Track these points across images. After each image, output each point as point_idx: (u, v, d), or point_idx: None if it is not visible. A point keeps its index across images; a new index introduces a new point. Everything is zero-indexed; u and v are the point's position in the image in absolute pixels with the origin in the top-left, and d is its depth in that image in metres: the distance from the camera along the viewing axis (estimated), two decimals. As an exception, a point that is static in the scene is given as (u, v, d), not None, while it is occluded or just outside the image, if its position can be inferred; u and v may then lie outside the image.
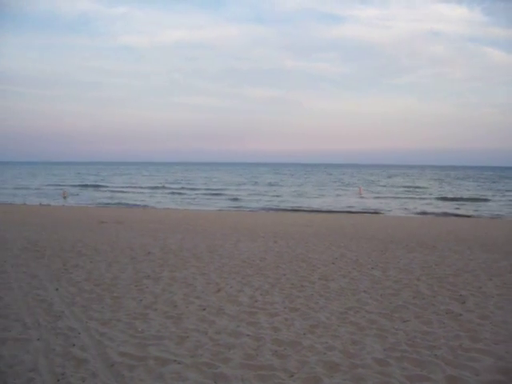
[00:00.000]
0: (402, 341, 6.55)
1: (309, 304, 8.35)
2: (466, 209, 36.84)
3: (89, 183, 71.95)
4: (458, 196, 48.84)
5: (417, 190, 60.52)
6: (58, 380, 5.30)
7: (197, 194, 51.98)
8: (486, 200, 45.17)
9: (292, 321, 7.43)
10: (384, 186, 69.64)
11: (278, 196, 49.34)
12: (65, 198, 45.35)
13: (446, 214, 32.85)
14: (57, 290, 9.12)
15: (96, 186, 65.22)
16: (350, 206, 38.05)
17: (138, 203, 40.75)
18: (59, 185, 66.24)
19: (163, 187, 60.64)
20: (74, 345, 6.32)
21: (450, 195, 50.30)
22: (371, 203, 41.32)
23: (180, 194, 52.24)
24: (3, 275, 10.28)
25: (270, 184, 72.76)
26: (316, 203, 41.38)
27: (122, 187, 63.92)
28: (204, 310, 7.96)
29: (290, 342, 6.50)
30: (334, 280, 10.21)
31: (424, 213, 33.79)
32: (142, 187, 63.05)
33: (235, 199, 45.38)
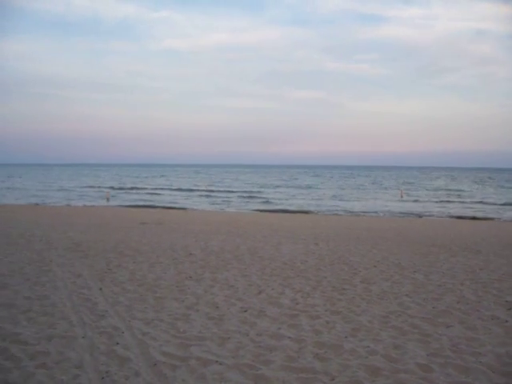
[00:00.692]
0: (446, 346, 6.46)
1: (350, 307, 8.31)
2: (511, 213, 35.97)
3: (129, 185, 73.06)
4: (503, 200, 47.66)
5: (459, 192, 59.40)
6: (103, 378, 5.41)
7: (236, 196, 52.11)
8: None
9: (333, 324, 7.40)
10: (425, 188, 68.61)
11: (317, 199, 49.11)
12: (107, 199, 46.16)
13: (489, 218, 32.12)
14: (100, 289, 9.29)
15: (135, 188, 66.10)
16: (390, 209, 37.63)
17: (177, 205, 41.14)
18: (100, 186, 67.51)
19: (206, 190, 60.82)
20: (117, 343, 6.43)
21: (493, 198, 49.19)
22: (412, 206, 40.80)
23: (219, 196, 52.43)
24: (49, 274, 10.52)
25: (309, 186, 72.53)
26: (356, 206, 41.09)
27: (161, 189, 64.61)
28: (245, 311, 8.00)
29: (332, 345, 6.48)
30: (376, 283, 10.13)
31: (466, 216, 33.13)
32: (181, 189, 63.49)
33: (273, 201, 45.36)
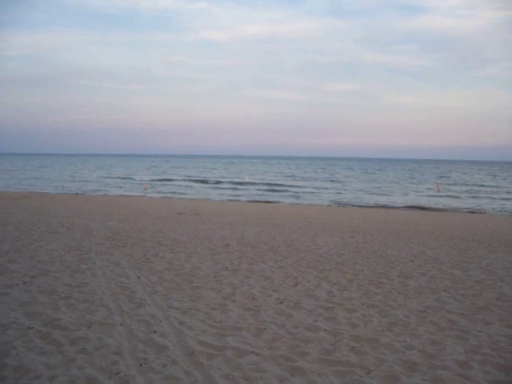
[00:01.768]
0: (485, 344, 6.36)
1: (387, 301, 8.26)
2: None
3: (166, 175, 73.66)
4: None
5: (499, 187, 58.02)
6: (141, 365, 5.50)
7: (271, 187, 52.02)
8: None
9: (370, 317, 7.37)
10: (464, 182, 67.25)
11: (352, 191, 48.72)
12: (145, 189, 46.73)
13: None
14: (138, 278, 9.43)
15: (172, 179, 66.64)
16: (427, 203, 37.08)
17: (214, 196, 41.37)
18: (130, 177, 68.19)
19: (247, 182, 60.70)
20: (155, 332, 6.52)
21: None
22: (450, 200, 40.15)
23: (254, 188, 52.45)
24: (88, 262, 10.71)
25: (345, 179, 71.96)
26: (392, 199, 40.65)
27: (197, 179, 65.00)
28: (281, 303, 8.02)
29: (368, 338, 6.46)
30: (413, 278, 10.03)
31: (506, 211, 32.48)
32: (219, 182, 63.67)
33: (309, 193, 45.24)
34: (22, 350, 5.78)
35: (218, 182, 59.45)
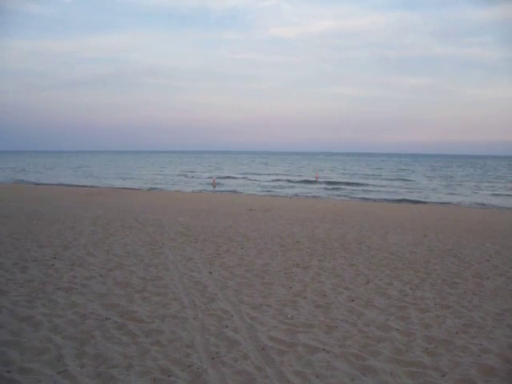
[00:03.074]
0: None
1: (461, 302, 8.04)
2: None
3: (236, 172, 74.28)
4: None
5: None
6: (213, 358, 5.59)
7: (340, 184, 51.54)
8: None
9: (444, 318, 7.20)
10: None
11: (425, 189, 47.50)
12: (214, 185, 47.29)
13: None
14: (210, 273, 9.57)
15: (242, 175, 67.17)
16: (501, 201, 35.74)
17: (283, 193, 41.43)
18: (198, 174, 68.98)
19: (315, 179, 60.17)
20: (227, 326, 6.62)
21: None
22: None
23: (323, 184, 52.17)
24: (161, 256, 10.97)
25: (417, 175, 70.41)
26: (463, 197, 39.44)
27: (266, 176, 65.22)
28: (353, 301, 7.96)
29: (442, 340, 6.32)
30: (489, 278, 9.72)
31: None
32: (290, 180, 63.64)
33: (380, 190, 44.59)
34: (100, 339, 6.01)
35: (288, 181, 59.28)
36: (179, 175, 66.05)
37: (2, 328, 6.28)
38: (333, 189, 45.84)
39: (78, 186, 44.78)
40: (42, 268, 9.51)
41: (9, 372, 5.10)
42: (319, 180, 58.05)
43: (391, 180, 60.62)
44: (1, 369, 5.17)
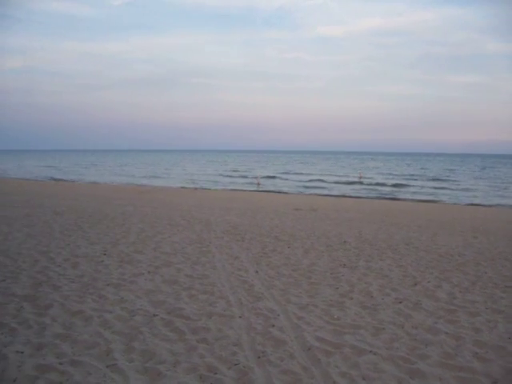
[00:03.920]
0: None
1: (514, 306, 7.82)
2: None
3: (278, 171, 74.21)
4: None
5: None
6: (259, 357, 5.60)
7: (387, 184, 50.92)
8: None
9: (495, 323, 7.01)
10: None
11: (476, 190, 46.38)
12: (258, 184, 47.38)
13: None
14: (257, 272, 9.59)
15: (286, 174, 67.12)
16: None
17: (328, 192, 41.22)
18: (244, 173, 69.15)
19: (360, 182, 59.68)
20: (273, 325, 6.61)
21: None
22: None
23: (369, 184, 51.64)
24: (208, 255, 11.05)
25: (472, 177, 68.85)
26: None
27: (310, 176, 64.94)
28: (400, 302, 7.85)
29: (493, 345, 6.14)
30: (544, 283, 9.43)
31: None
32: (337, 181, 63.25)
33: (427, 191, 43.82)
34: (147, 335, 6.10)
35: (333, 182, 58.75)
36: (225, 175, 66.36)
37: (54, 321, 6.46)
38: (377, 189, 45.29)
39: (127, 184, 45.58)
40: (92, 264, 9.73)
41: (61, 364, 5.24)
42: (362, 180, 57.51)
43: (437, 180, 59.40)
44: (53, 360, 5.31)
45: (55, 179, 52.19)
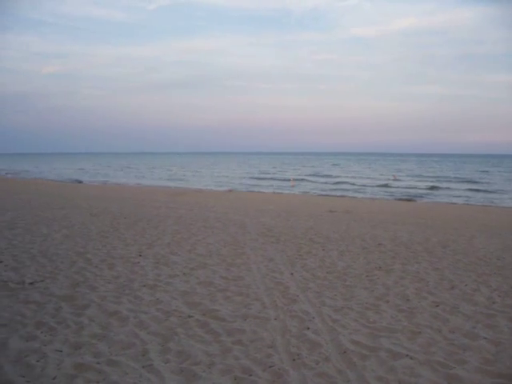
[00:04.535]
0: None
1: (555, 312, 7.63)
2: None
3: (312, 173, 73.97)
4: None
5: None
6: (294, 360, 5.58)
7: (422, 186, 50.23)
8: None
9: (536, 328, 6.86)
10: None
11: (510, 191, 45.42)
12: (292, 186, 47.31)
13: None
14: (292, 274, 9.56)
15: (320, 176, 66.87)
16: None
17: (363, 195, 40.94)
18: (268, 172, 68.97)
19: (394, 179, 59.18)
20: (308, 328, 6.58)
21: None
22: None
23: (403, 186, 51.09)
24: (243, 257, 11.06)
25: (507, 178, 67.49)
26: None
27: (344, 178, 64.59)
28: (437, 306, 7.73)
29: (534, 351, 6.02)
30: None
31: None
32: (370, 184, 62.79)
33: (463, 193, 43.11)
34: (183, 336, 6.14)
35: (368, 186, 58.36)
36: (257, 177, 66.40)
37: (91, 321, 6.55)
38: (409, 192, 44.71)
39: (160, 186, 46.04)
40: (128, 265, 9.83)
41: (98, 363, 5.31)
42: (396, 180, 56.98)
43: (473, 182, 58.34)
44: (91, 360, 5.39)
45: (103, 181, 53.01)
